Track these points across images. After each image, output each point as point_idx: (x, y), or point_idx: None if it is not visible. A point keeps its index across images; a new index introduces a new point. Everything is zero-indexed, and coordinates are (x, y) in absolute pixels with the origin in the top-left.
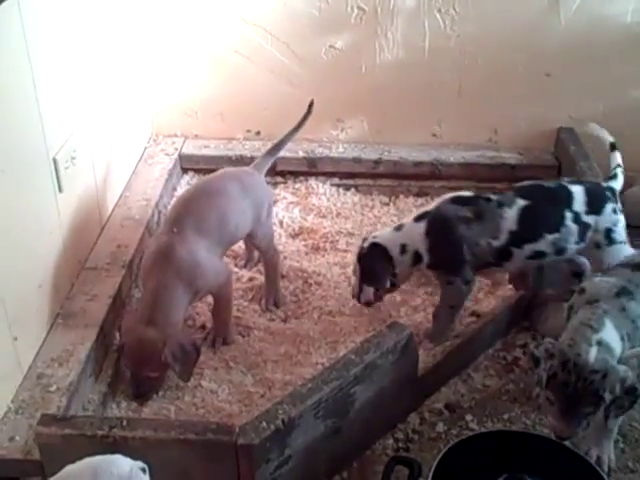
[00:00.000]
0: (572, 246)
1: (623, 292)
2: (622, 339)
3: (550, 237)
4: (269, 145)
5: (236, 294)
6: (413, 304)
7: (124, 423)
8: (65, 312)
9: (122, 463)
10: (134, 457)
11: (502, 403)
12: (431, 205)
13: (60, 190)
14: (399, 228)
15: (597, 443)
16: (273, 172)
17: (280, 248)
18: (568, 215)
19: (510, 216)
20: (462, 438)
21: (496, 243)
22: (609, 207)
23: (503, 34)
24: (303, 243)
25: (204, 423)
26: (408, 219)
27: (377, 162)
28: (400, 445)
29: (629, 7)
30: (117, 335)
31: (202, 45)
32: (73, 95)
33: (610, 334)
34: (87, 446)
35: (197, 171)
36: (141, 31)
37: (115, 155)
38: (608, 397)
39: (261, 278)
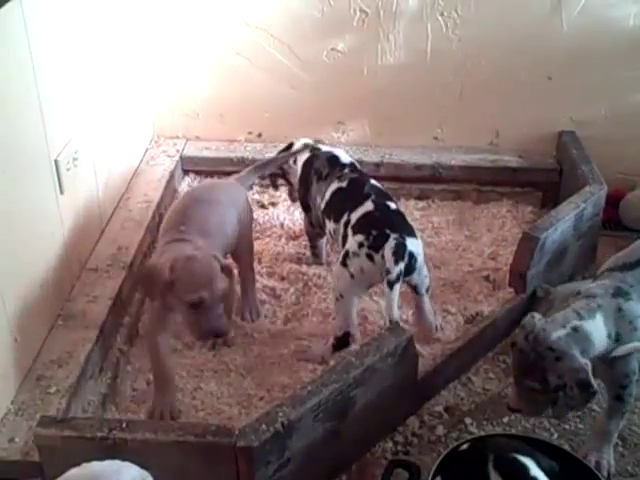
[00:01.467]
0: None
1: (619, 292)
2: (609, 337)
3: None
4: (269, 148)
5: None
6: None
7: (124, 425)
8: (65, 313)
9: (125, 473)
10: (133, 459)
11: (502, 407)
12: None
13: (61, 192)
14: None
15: (596, 447)
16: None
17: (280, 250)
18: None
19: None
20: (461, 441)
21: None
22: None
23: (505, 37)
24: (304, 245)
25: (204, 425)
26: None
27: (378, 165)
28: (399, 448)
29: (632, 11)
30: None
31: (204, 47)
32: (75, 97)
33: (596, 327)
34: (86, 448)
35: (198, 173)
36: (143, 33)
37: (116, 157)
38: (554, 381)
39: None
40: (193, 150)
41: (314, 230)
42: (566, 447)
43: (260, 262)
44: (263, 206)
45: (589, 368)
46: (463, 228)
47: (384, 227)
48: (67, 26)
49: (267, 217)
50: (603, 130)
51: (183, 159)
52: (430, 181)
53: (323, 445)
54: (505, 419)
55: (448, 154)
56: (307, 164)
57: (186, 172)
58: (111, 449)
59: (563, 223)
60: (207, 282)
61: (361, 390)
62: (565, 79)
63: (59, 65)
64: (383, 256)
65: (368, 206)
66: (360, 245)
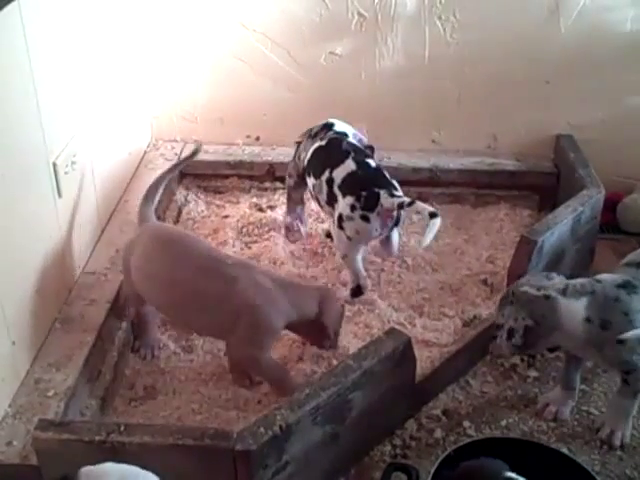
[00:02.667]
0: None
1: (625, 285)
2: (589, 321)
3: None
4: (267, 151)
5: None
6: (410, 311)
7: (122, 428)
8: (63, 317)
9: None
10: (131, 463)
11: (500, 410)
12: None
13: (59, 195)
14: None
15: (612, 418)
16: (272, 177)
17: (278, 253)
18: None
19: None
20: (459, 445)
21: None
22: None
23: (503, 41)
24: (301, 247)
25: (202, 429)
26: None
27: None
28: (398, 451)
29: (628, 15)
30: None
31: (202, 50)
32: (73, 100)
33: (573, 308)
34: (85, 451)
35: (196, 176)
36: (141, 36)
37: (115, 160)
38: (497, 319)
39: None
40: None
41: (289, 181)
42: (564, 450)
43: None
44: (261, 209)
45: (522, 326)
46: (461, 231)
47: (372, 186)
48: (65, 29)
49: (265, 220)
50: (601, 134)
51: None
52: (428, 184)
53: (321, 448)
54: (503, 422)
55: (446, 157)
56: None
57: (184, 175)
58: (109, 452)
59: (561, 226)
60: None
61: (359, 393)
62: (563, 83)
63: (57, 68)
64: (379, 213)
65: (350, 165)
66: (352, 208)
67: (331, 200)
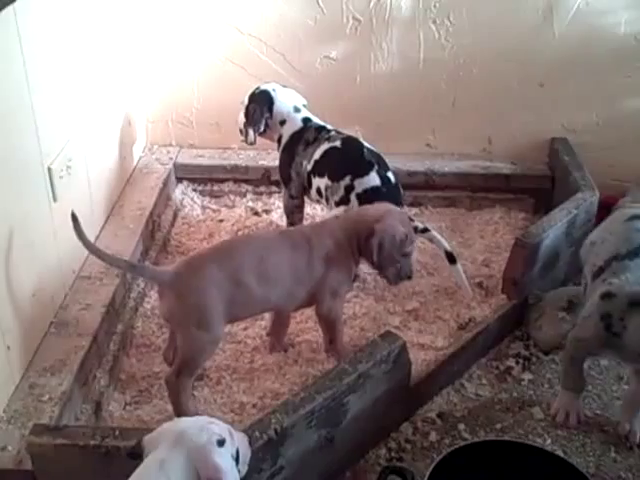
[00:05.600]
0: None
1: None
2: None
3: None
4: (263, 155)
5: None
6: (405, 315)
7: (116, 433)
8: (58, 321)
9: (199, 434)
10: (126, 467)
11: (495, 412)
12: None
13: (55, 199)
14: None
15: (630, 416)
16: (268, 182)
17: None
18: None
19: None
20: (455, 447)
21: None
22: None
23: (497, 45)
24: None
25: None
26: None
27: None
28: (393, 454)
29: (622, 18)
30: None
31: (198, 55)
32: (68, 104)
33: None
34: (79, 456)
35: (192, 180)
36: (136, 40)
37: (110, 164)
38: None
39: None
40: (186, 158)
41: (293, 202)
42: (559, 453)
43: None
44: (257, 213)
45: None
46: (456, 235)
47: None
48: (61, 33)
49: (261, 224)
50: (595, 137)
51: (176, 167)
52: (423, 188)
53: (317, 452)
54: (498, 425)
55: (441, 161)
56: (296, 135)
57: (179, 180)
58: (104, 457)
59: (555, 230)
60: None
61: (354, 397)
62: (557, 86)
63: (53, 73)
64: None
65: (374, 179)
66: None
67: (344, 202)
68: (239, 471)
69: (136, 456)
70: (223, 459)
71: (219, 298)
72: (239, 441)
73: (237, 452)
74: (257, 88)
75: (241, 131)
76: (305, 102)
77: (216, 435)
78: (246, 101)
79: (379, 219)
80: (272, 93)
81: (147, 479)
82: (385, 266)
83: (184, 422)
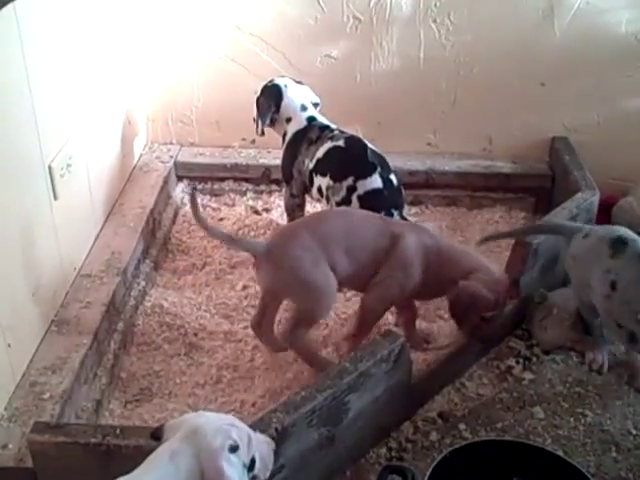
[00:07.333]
0: None
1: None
2: None
3: None
4: (263, 154)
5: (230, 302)
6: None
7: (117, 431)
8: (59, 319)
9: (214, 435)
10: (127, 466)
11: (495, 412)
12: None
13: (55, 197)
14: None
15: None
16: (268, 180)
17: None
18: None
19: None
20: (455, 447)
21: None
22: None
23: (498, 44)
24: None
25: None
26: None
27: None
28: (393, 454)
29: (623, 17)
30: None
31: (198, 53)
32: (69, 102)
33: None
34: (80, 454)
35: (192, 179)
36: (137, 38)
37: (110, 162)
38: None
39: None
40: (187, 156)
41: (294, 200)
42: (560, 453)
43: None
44: (257, 212)
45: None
46: (457, 234)
47: (390, 207)
48: (61, 31)
49: (261, 223)
50: (596, 136)
51: (177, 165)
52: (423, 187)
53: (317, 451)
54: (499, 425)
55: (441, 160)
56: (299, 133)
57: (180, 178)
58: (105, 455)
59: None
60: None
61: (355, 396)
62: (558, 85)
63: (53, 71)
64: None
65: (377, 181)
66: None
67: (345, 203)
68: (257, 477)
69: (157, 438)
70: (231, 466)
71: (312, 259)
72: (259, 446)
73: (253, 459)
74: (270, 81)
75: (254, 120)
76: (317, 100)
77: (230, 440)
78: (258, 92)
79: (467, 275)
80: (283, 89)
81: (157, 467)
82: (458, 322)
83: (206, 418)
